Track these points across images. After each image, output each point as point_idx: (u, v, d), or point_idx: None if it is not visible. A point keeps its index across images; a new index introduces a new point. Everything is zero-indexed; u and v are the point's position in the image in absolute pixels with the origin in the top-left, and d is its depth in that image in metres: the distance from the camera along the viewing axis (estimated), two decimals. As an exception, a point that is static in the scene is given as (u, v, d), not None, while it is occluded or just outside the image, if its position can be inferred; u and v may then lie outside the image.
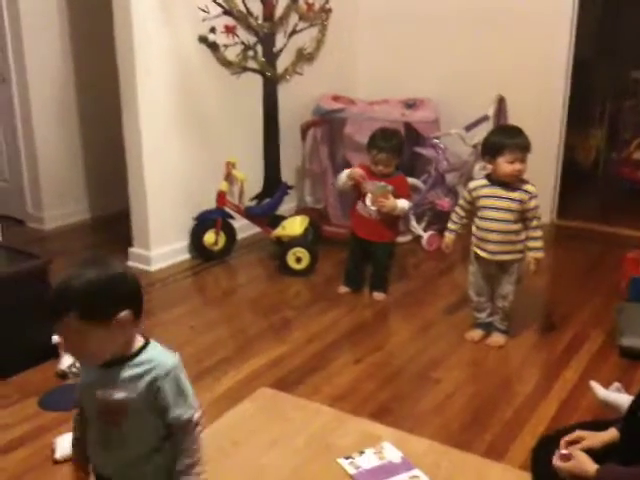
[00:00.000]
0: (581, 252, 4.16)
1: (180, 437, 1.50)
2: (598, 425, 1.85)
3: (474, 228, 2.91)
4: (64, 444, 2.15)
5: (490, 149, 2.82)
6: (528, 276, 2.96)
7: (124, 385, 1.45)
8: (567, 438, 1.78)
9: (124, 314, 1.42)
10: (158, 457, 1.51)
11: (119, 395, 1.45)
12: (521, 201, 2.78)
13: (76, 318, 1.37)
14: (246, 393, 2.55)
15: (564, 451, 1.75)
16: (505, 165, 2.75)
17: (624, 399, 2.14)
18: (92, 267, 1.42)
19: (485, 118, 4.30)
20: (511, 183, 2.79)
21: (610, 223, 4.64)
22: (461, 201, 2.98)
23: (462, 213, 2.97)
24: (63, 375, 2.66)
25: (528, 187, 2.80)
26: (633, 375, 2.69)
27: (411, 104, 4.45)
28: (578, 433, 1.80)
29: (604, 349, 2.92)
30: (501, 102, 4.40)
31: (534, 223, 2.82)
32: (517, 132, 2.84)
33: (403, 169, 3.50)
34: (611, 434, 1.76)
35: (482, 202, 2.84)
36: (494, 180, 2.82)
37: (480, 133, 4.24)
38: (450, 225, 3.02)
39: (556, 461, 1.74)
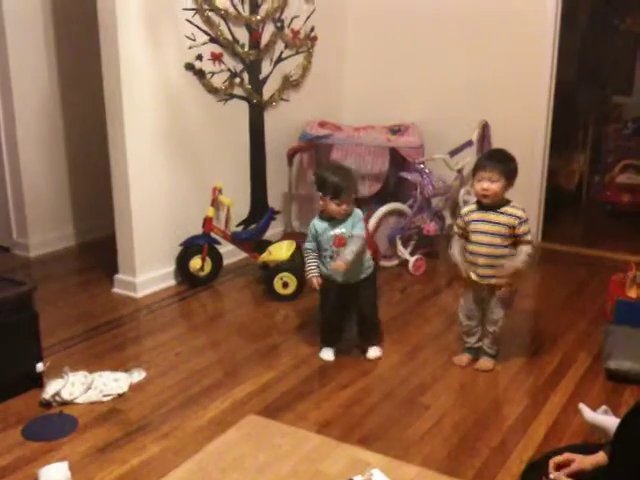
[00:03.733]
0: (566, 275, 4.19)
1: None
2: (587, 448, 1.85)
3: (466, 253, 2.92)
4: (48, 475, 2.12)
5: (472, 172, 2.89)
6: (510, 295, 2.92)
7: (343, 226, 2.92)
8: (556, 460, 1.78)
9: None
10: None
11: (341, 231, 2.91)
12: (510, 226, 2.79)
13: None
14: (233, 420, 2.53)
15: (551, 476, 1.74)
16: (475, 184, 2.82)
17: (611, 422, 2.14)
18: (344, 170, 3.01)
19: (469, 143, 4.36)
20: (498, 207, 2.80)
21: (594, 246, 4.68)
22: (456, 229, 2.94)
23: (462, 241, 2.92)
24: (47, 404, 2.62)
25: (518, 212, 2.80)
26: (620, 398, 2.70)
27: (396, 130, 4.50)
28: (567, 455, 1.79)
29: (591, 372, 2.93)
30: (485, 127, 4.46)
31: (525, 249, 2.81)
32: (495, 155, 2.91)
33: (389, 194, 3.51)
34: (601, 456, 1.76)
35: (472, 226, 2.85)
36: (484, 205, 2.84)
37: (464, 158, 4.30)
38: (460, 257, 2.91)
39: None
